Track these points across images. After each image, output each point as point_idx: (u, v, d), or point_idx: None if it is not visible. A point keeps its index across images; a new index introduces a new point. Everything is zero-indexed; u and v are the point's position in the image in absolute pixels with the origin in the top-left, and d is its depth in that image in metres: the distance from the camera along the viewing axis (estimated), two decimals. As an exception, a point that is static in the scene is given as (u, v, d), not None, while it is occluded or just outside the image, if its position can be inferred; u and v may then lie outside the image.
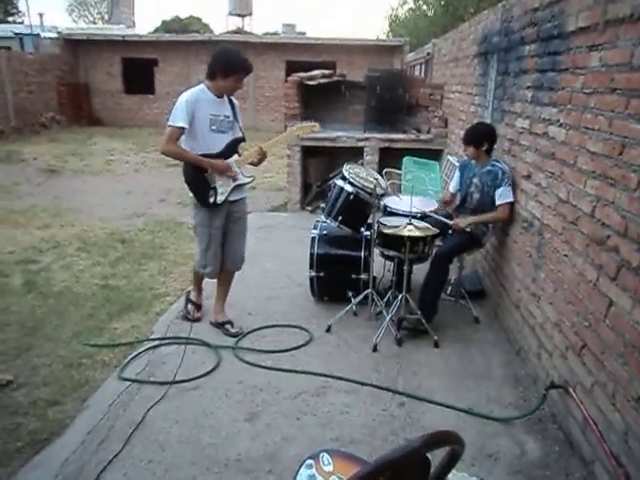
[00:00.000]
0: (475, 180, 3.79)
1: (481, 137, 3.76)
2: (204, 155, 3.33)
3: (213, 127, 3.33)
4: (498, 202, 3.64)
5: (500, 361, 3.42)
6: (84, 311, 3.94)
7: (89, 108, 17.13)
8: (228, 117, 3.40)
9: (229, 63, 3.28)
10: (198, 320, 3.75)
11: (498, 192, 3.63)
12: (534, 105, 3.41)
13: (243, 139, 3.51)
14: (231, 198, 3.46)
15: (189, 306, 3.83)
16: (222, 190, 3.39)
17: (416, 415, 2.83)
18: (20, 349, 3.37)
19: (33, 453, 2.47)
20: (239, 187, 3.49)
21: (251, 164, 3.52)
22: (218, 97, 3.36)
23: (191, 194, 3.44)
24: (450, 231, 3.81)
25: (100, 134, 14.14)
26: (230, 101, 3.44)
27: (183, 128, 3.23)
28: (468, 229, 3.69)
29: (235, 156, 3.43)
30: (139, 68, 16.69)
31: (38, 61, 15.32)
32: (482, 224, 3.75)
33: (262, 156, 3.47)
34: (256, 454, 2.50)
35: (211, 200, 3.37)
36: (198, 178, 3.36)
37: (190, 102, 3.23)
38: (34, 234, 5.83)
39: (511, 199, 3.65)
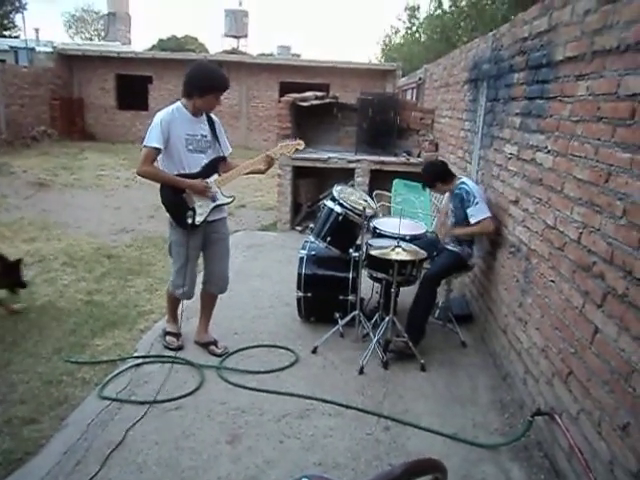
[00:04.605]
0: (451, 206, 3.86)
1: (428, 180, 3.95)
2: (181, 175, 3.24)
3: (190, 147, 3.25)
4: (472, 221, 3.65)
5: (487, 386, 3.40)
6: (66, 327, 3.87)
7: (82, 123, 17.14)
8: (205, 137, 3.31)
9: (206, 81, 3.19)
10: (181, 349, 3.59)
11: (469, 213, 3.65)
12: (522, 132, 3.46)
13: (223, 158, 3.42)
14: (210, 218, 3.37)
15: (167, 337, 3.66)
16: (201, 211, 3.30)
17: (401, 440, 2.79)
18: (-2, 365, 3.29)
19: (5, 474, 2.39)
20: (218, 207, 3.40)
21: (256, 172, 3.45)
22: (195, 116, 3.27)
23: (168, 214, 3.36)
24: (436, 253, 3.83)
25: (92, 149, 14.12)
26: (210, 119, 3.36)
27: (158, 149, 3.16)
28: (451, 246, 3.73)
29: (215, 176, 3.35)
30: (133, 84, 16.77)
31: (32, 75, 15.32)
32: (467, 246, 3.77)
33: (270, 162, 3.38)
34: (237, 478, 2.44)
35: (189, 221, 3.26)
36: (175, 199, 3.26)
37: (165, 122, 3.16)
38: (19, 247, 5.74)
39: (485, 214, 3.63)
